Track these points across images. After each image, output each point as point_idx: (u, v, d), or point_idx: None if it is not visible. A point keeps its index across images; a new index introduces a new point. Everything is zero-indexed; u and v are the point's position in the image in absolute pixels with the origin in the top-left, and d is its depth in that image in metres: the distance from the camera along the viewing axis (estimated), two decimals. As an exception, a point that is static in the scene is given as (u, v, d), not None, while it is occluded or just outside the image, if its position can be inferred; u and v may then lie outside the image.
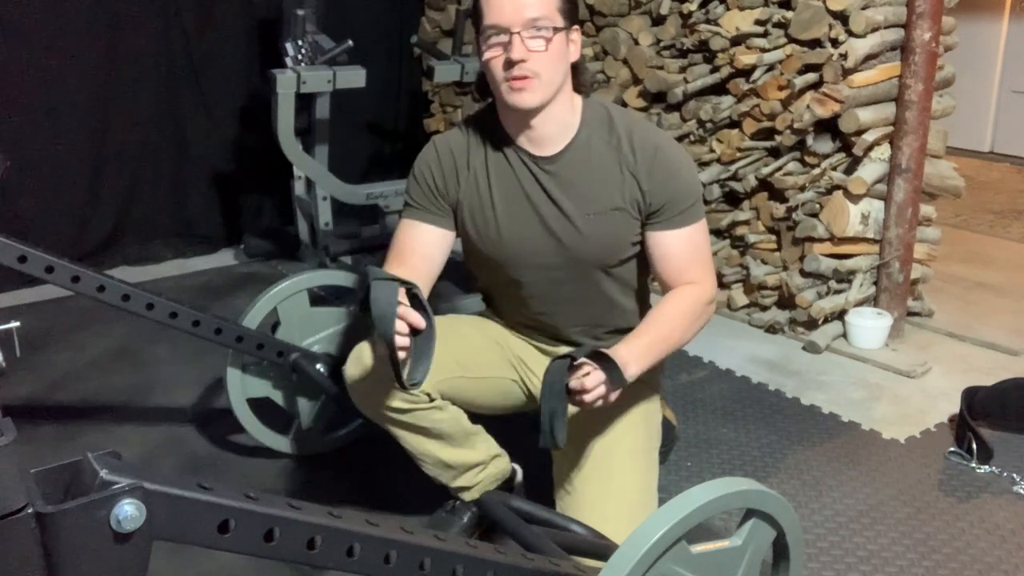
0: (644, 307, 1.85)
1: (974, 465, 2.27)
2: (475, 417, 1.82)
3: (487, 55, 1.60)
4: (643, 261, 1.77)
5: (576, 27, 1.65)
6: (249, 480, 2.19)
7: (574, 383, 1.48)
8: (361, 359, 1.68)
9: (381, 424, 1.74)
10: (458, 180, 1.72)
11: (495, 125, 1.71)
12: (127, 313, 1.96)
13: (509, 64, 1.56)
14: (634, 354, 1.56)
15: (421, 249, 1.73)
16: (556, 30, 1.57)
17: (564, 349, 1.75)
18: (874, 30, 2.77)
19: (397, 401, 1.66)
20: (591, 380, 1.48)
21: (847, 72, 2.76)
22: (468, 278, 2.04)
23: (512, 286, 1.78)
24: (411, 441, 1.75)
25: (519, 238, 1.71)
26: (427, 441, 1.74)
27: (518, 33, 1.54)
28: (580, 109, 1.69)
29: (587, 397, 1.47)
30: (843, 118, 2.80)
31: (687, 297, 1.68)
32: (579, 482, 1.69)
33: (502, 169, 1.70)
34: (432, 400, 1.69)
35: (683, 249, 1.69)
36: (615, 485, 1.67)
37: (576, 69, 1.67)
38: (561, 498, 1.73)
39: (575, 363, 1.50)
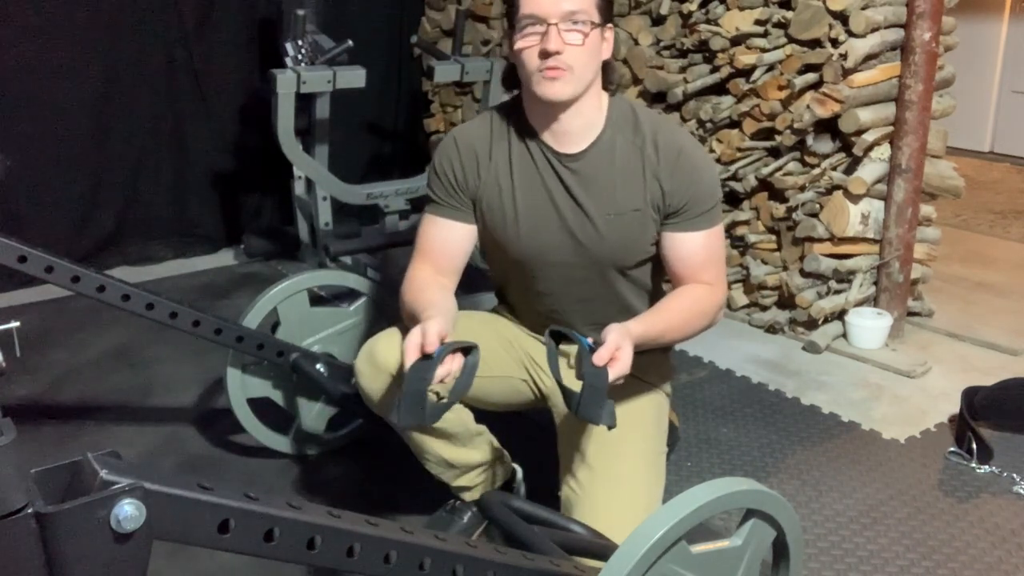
0: None
1: (974, 465, 2.27)
2: (479, 416, 1.82)
3: (520, 44, 1.57)
4: (659, 264, 1.77)
5: (611, 25, 1.64)
6: (249, 480, 2.19)
7: (601, 358, 1.42)
8: (372, 355, 1.68)
9: (387, 419, 1.74)
10: (479, 173, 1.71)
11: (520, 119, 1.70)
12: (127, 313, 1.96)
13: (544, 55, 1.55)
14: (634, 332, 1.51)
15: (445, 245, 1.73)
16: (593, 25, 1.57)
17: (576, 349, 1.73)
18: (874, 30, 2.77)
19: None
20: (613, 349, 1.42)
21: (847, 72, 2.76)
22: (475, 278, 2.04)
23: (526, 282, 1.78)
24: (416, 438, 1.75)
25: (537, 234, 1.70)
26: (432, 439, 1.75)
27: (555, 25, 1.53)
28: (606, 108, 1.68)
29: (616, 369, 1.42)
30: (843, 118, 2.80)
31: (695, 292, 1.68)
32: (587, 483, 1.68)
33: (524, 164, 1.70)
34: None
35: (699, 251, 1.69)
36: (623, 489, 1.65)
37: (606, 67, 1.67)
38: (567, 497, 1.72)
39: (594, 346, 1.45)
